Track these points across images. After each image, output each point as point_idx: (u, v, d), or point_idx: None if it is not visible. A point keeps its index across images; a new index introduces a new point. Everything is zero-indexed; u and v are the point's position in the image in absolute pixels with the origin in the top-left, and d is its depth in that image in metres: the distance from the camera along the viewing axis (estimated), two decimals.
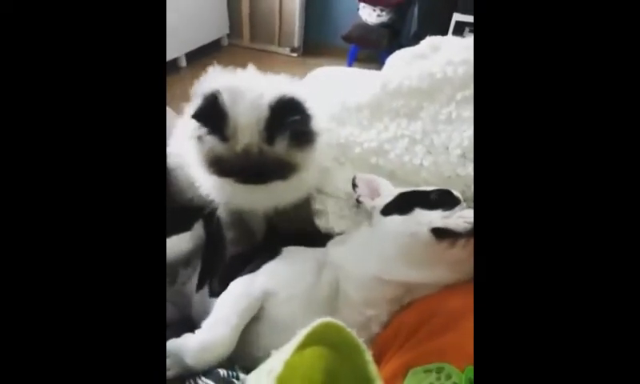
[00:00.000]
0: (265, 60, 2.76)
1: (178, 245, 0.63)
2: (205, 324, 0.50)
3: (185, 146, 0.65)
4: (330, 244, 0.60)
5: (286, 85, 0.58)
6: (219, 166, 0.55)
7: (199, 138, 0.55)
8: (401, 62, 0.87)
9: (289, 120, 0.53)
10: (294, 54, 2.83)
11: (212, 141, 0.53)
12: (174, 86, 2.25)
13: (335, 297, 0.53)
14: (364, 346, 0.39)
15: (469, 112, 0.65)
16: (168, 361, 0.51)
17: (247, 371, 0.48)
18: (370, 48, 2.50)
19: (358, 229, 0.61)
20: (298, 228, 0.67)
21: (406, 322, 0.50)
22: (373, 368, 0.38)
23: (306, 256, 0.58)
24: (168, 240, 0.62)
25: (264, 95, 0.53)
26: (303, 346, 0.39)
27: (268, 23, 2.82)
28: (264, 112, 0.53)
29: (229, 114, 0.53)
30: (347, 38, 2.45)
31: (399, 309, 0.53)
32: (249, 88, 0.54)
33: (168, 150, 0.73)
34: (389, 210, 0.57)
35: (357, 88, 0.80)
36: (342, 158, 0.75)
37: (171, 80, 2.33)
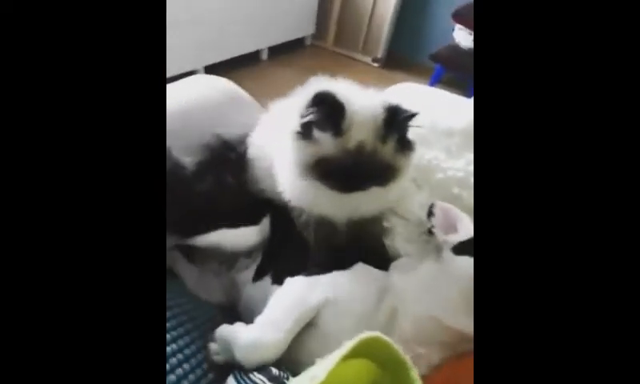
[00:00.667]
0: (345, 65, 2.76)
1: (244, 237, 0.63)
2: (258, 320, 0.49)
3: (274, 142, 0.66)
4: (395, 270, 0.57)
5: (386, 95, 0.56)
6: (322, 167, 0.53)
7: (306, 135, 0.54)
8: None
9: (403, 120, 0.53)
10: (376, 64, 2.81)
11: (323, 137, 0.52)
12: (252, 77, 2.33)
13: (391, 326, 0.50)
14: (410, 364, 0.38)
15: None
16: (217, 346, 0.51)
17: (289, 373, 0.47)
18: (458, 72, 2.40)
19: (425, 261, 0.57)
20: (369, 243, 0.64)
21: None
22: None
23: (373, 277, 0.55)
24: (236, 231, 0.62)
25: (375, 97, 0.54)
26: (349, 357, 0.39)
27: (355, 29, 2.82)
28: (379, 110, 0.52)
29: (346, 107, 0.52)
30: (435, 57, 2.38)
31: (452, 354, 0.49)
32: (358, 91, 0.54)
33: (250, 139, 0.74)
34: (461, 249, 0.53)
35: (450, 112, 0.76)
36: (421, 180, 0.71)
37: (251, 71, 2.41)
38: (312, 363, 0.42)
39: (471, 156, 0.68)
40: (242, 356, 0.46)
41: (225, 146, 0.72)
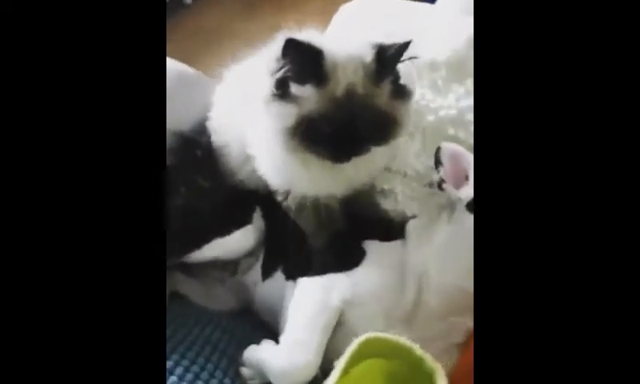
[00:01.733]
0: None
1: (239, 242, 0.59)
2: (285, 341, 0.47)
3: (241, 118, 0.57)
4: (409, 242, 0.54)
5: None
6: (308, 130, 0.46)
7: (283, 94, 0.46)
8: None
9: (396, 52, 0.46)
10: None
11: (303, 91, 0.45)
12: (179, 26, 1.89)
13: (418, 305, 0.49)
14: (409, 343, 0.39)
15: None
16: (250, 371, 0.49)
17: (323, 373, 0.46)
18: None
19: (437, 223, 0.53)
20: (369, 217, 0.60)
21: None
22: (428, 361, 0.38)
23: (388, 260, 0.52)
24: (229, 237, 0.57)
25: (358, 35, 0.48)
26: (354, 363, 0.40)
27: None
28: (365, 46, 0.46)
29: (324, 49, 0.45)
30: None
31: None
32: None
33: (210, 123, 0.64)
34: None
35: (428, 40, 0.68)
36: (412, 127, 0.65)
37: (175, 20, 1.84)
38: None
39: (461, 89, 0.63)
40: (278, 382, 0.45)
41: (185, 143, 0.62)
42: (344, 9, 0.85)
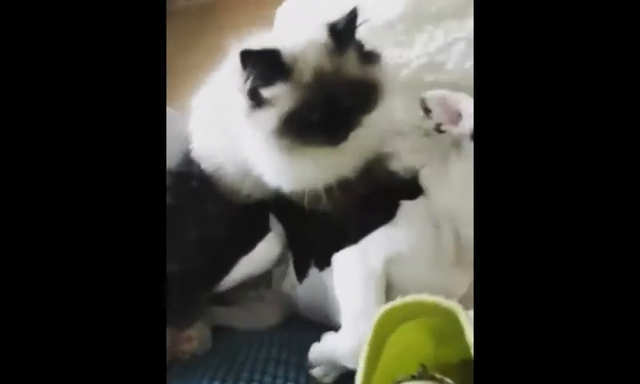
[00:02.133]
0: (206, 13, 2.46)
1: (265, 252, 0.57)
2: (346, 321, 0.46)
3: (225, 137, 0.56)
4: (431, 193, 0.54)
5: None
6: (294, 123, 0.47)
7: (257, 102, 0.47)
8: None
9: (348, 21, 0.47)
10: None
11: (274, 91, 0.46)
12: None
13: (460, 248, 0.49)
14: (422, 297, 0.37)
15: None
16: (320, 369, 0.47)
17: None
18: None
19: (449, 164, 0.54)
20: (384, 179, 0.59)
21: None
22: (443, 304, 0.36)
23: (419, 214, 0.52)
24: (254, 252, 0.56)
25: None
26: (388, 329, 0.39)
27: None
28: (317, 28, 0.48)
29: (279, 48, 0.46)
30: None
31: None
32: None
33: (195, 153, 0.63)
34: None
35: (375, 4, 0.69)
36: (390, 86, 0.66)
37: None
38: None
39: (424, 36, 0.64)
40: (353, 363, 0.42)
41: (177, 179, 0.60)
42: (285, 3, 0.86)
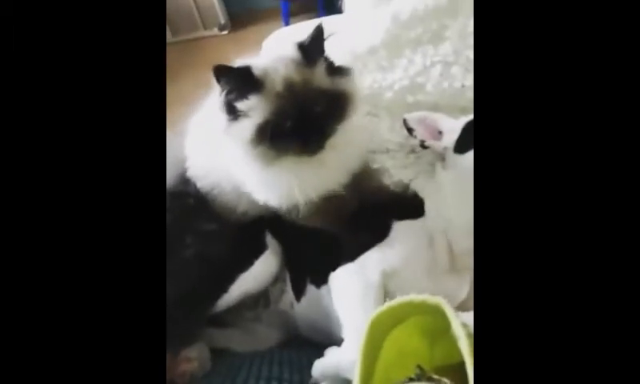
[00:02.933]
0: (195, 49, 2.55)
1: (263, 270, 0.58)
2: (348, 335, 0.47)
3: (218, 156, 0.58)
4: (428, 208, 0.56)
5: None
6: (271, 133, 0.49)
7: (234, 115, 0.50)
8: None
9: (315, 35, 0.51)
10: (225, 32, 2.64)
11: (248, 104, 0.49)
12: None
13: (454, 255, 0.51)
14: (409, 297, 0.37)
15: None
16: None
17: None
18: None
19: (436, 176, 0.57)
20: (374, 197, 0.62)
21: None
22: (430, 300, 0.36)
23: (412, 227, 0.54)
24: (252, 269, 0.57)
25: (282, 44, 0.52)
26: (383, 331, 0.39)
27: (182, 10, 2.57)
28: (287, 45, 0.51)
29: (251, 64, 0.49)
30: None
31: None
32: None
33: (191, 172, 0.65)
34: (463, 146, 0.53)
35: (357, 33, 0.74)
36: (375, 109, 0.70)
37: None
38: None
39: (403, 61, 0.68)
40: None
41: (174, 199, 0.62)
42: (269, 39, 0.91)
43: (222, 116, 0.51)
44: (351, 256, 0.52)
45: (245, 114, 0.50)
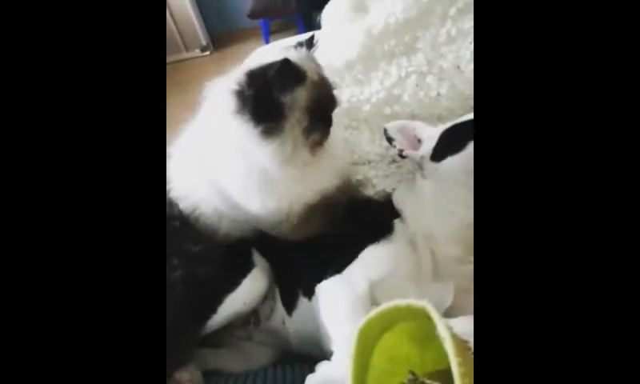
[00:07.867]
0: (178, 71, 2.56)
1: (251, 288, 0.58)
2: (336, 347, 0.47)
3: (200, 181, 0.59)
4: (404, 210, 0.57)
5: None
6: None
7: (267, 124, 0.49)
8: (341, 10, 0.81)
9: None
10: (207, 53, 2.66)
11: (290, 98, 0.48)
12: None
13: (438, 262, 0.52)
14: (395, 303, 0.37)
15: (468, 23, 0.64)
16: None
17: None
18: (279, 17, 2.41)
19: (416, 184, 0.58)
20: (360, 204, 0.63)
21: None
22: (414, 305, 0.36)
23: (396, 235, 0.54)
24: (240, 289, 0.57)
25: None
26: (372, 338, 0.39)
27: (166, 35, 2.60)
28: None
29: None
30: (253, 15, 2.33)
31: None
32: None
33: (173, 194, 0.65)
34: (440, 154, 0.54)
35: (334, 48, 0.76)
36: (354, 122, 0.71)
37: None
38: None
39: (380, 73, 0.70)
40: None
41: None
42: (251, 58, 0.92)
43: (249, 127, 0.49)
44: (338, 264, 0.52)
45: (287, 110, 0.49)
